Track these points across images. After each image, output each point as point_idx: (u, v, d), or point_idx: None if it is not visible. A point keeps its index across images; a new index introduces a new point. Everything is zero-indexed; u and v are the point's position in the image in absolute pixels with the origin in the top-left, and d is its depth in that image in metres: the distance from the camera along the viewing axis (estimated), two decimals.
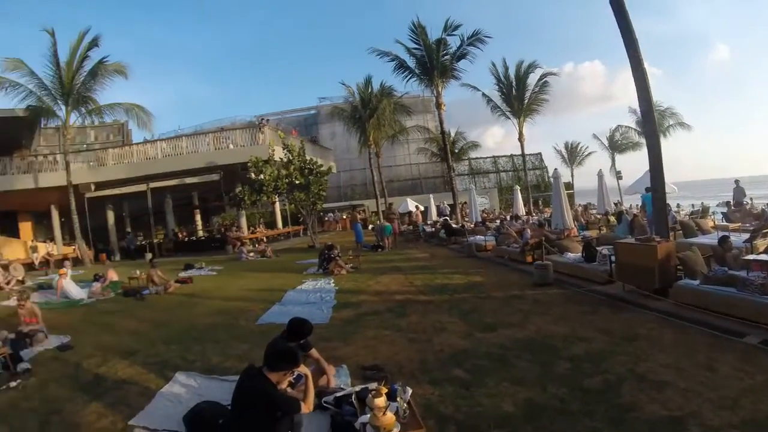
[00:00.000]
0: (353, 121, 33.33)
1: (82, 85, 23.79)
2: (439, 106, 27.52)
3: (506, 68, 32.53)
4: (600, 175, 20.36)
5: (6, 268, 18.08)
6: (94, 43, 23.53)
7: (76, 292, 13.60)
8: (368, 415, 3.66)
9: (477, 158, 45.13)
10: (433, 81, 26.59)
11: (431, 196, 32.85)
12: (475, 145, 39.88)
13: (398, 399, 3.94)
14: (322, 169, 22.74)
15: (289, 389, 4.24)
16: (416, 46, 26.65)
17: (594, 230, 17.48)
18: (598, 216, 21.37)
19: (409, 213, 32.96)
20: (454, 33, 25.52)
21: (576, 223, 17.57)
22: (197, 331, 8.61)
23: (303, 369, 4.15)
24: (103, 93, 24.86)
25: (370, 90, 32.57)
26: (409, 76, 27.61)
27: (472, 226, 21.43)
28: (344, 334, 7.32)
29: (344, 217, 37.30)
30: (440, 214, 30.15)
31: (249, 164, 21.30)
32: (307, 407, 3.99)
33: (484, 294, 9.78)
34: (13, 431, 5.12)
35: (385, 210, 29.05)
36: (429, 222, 27.53)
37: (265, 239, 25.80)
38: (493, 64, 32.68)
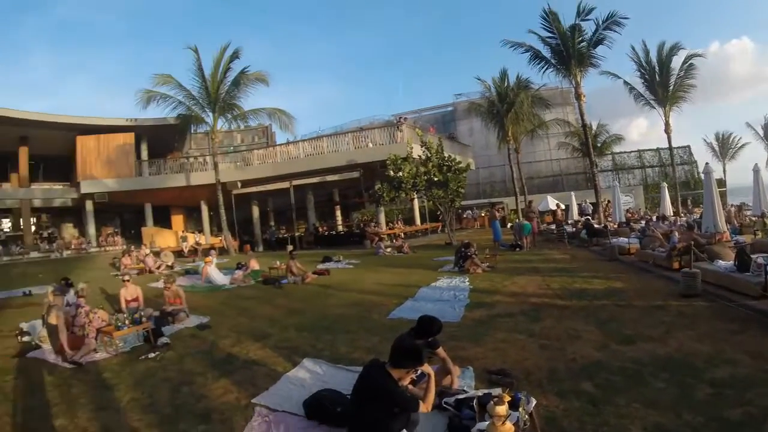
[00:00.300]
0: (491, 117, 32.16)
1: (226, 94, 26.19)
2: (578, 96, 25.61)
3: (647, 52, 29.42)
4: (756, 170, 17.63)
5: (158, 254, 19.96)
6: (235, 56, 25.73)
7: (220, 278, 14.62)
8: (487, 423, 3.45)
9: (621, 153, 40.83)
10: (571, 70, 24.76)
11: (572, 193, 30.74)
12: (618, 139, 36.21)
13: (520, 409, 3.65)
14: (460, 165, 22.29)
15: (410, 387, 4.13)
16: (550, 35, 24.97)
17: (748, 234, 15.39)
18: (753, 218, 18.73)
19: (552, 211, 31.37)
20: (587, 18, 23.53)
21: (728, 225, 15.57)
22: (329, 320, 8.69)
23: (426, 368, 4.04)
24: (248, 99, 27.27)
25: (506, 84, 31.10)
26: (545, 67, 25.94)
27: (615, 226, 19.74)
28: (474, 335, 6.95)
29: (482, 214, 36.42)
30: (582, 213, 28.33)
31: (388, 162, 21.48)
32: (425, 407, 3.85)
33: (624, 302, 8.87)
34: (146, 395, 5.58)
35: (525, 208, 27.81)
36: (570, 221, 25.99)
37: (402, 235, 25.98)
38: (633, 49, 29.71)
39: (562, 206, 29.98)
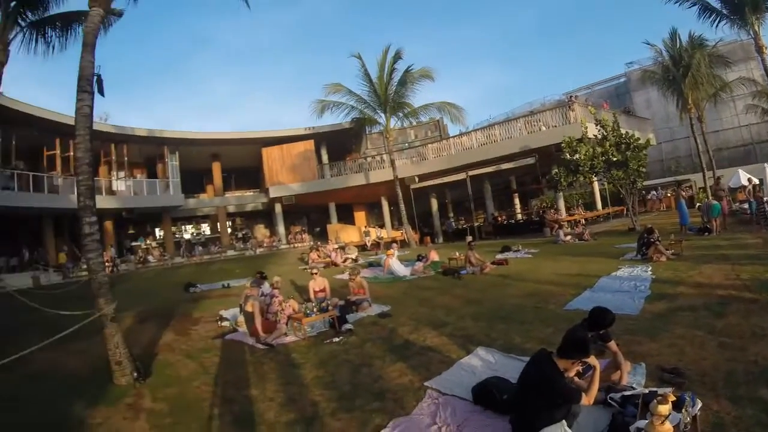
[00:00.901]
0: (667, 84, 28.95)
1: (395, 94, 26.91)
2: (759, 49, 21.85)
3: None
4: None
5: (342, 249, 21.27)
6: (397, 57, 26.34)
7: (401, 269, 15.27)
8: (646, 421, 3.34)
9: None
10: (746, 19, 21.48)
11: (766, 165, 26.90)
12: None
13: (683, 411, 3.46)
14: (639, 142, 20.47)
15: (576, 378, 4.14)
16: None
17: None
18: None
19: (743, 187, 27.04)
20: None
21: None
22: (505, 310, 8.71)
23: (593, 360, 4.01)
24: (416, 96, 28.19)
25: (678, 44, 27.55)
26: (716, 19, 22.80)
27: None
28: (651, 329, 6.51)
29: (668, 194, 32.98)
30: None
31: (562, 144, 20.60)
32: (587, 400, 3.86)
33: None
34: (329, 374, 6.31)
35: (712, 185, 24.49)
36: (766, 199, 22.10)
37: (583, 221, 24.77)
38: None
39: (755, 180, 25.83)
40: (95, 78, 7.44)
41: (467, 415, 4.56)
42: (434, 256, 16.47)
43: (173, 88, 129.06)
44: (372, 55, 40.75)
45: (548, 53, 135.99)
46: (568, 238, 19.06)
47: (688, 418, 3.48)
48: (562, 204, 26.99)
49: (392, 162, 27.29)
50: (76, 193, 7.11)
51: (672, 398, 3.29)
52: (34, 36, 12.66)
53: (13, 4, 11.66)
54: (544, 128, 24.67)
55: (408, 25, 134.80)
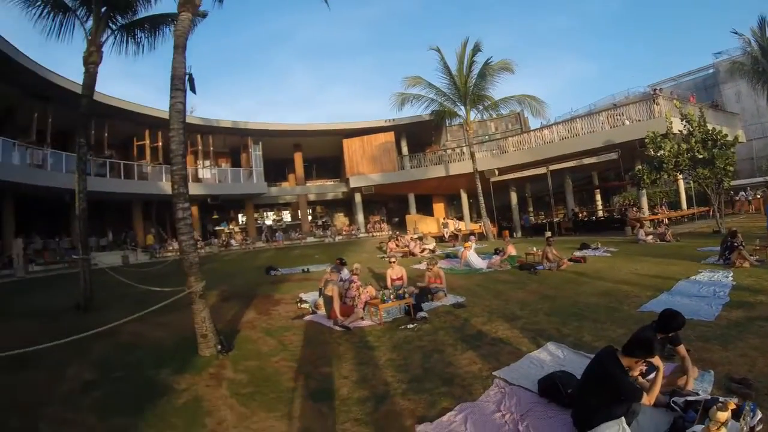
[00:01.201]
0: (756, 76, 27.22)
1: (474, 87, 26.79)
2: None
3: None
4: None
5: (420, 239, 21.44)
6: (476, 49, 26.20)
7: (477, 262, 15.33)
8: (702, 426, 3.38)
9: None
10: None
11: None
12: None
13: (741, 420, 3.44)
14: (727, 139, 19.40)
15: (639, 378, 4.19)
16: None
17: None
18: None
19: None
20: None
21: None
22: (578, 308, 8.62)
23: (657, 361, 4.06)
24: (496, 88, 27.53)
25: (767, 33, 26.19)
26: None
27: None
28: (725, 337, 6.28)
29: (757, 196, 30.77)
30: None
31: (646, 140, 19.85)
32: (648, 399, 3.91)
33: None
34: (401, 357, 6.59)
35: None
36: None
37: (666, 221, 23.78)
38: None
39: None
40: (187, 77, 8.02)
41: (531, 406, 4.67)
42: (511, 250, 16.32)
43: (255, 81, 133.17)
44: (450, 48, 40.73)
45: (632, 43, 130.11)
46: (649, 237, 18.37)
47: (746, 428, 3.46)
48: (645, 202, 25.97)
49: (472, 154, 27.29)
50: (170, 181, 7.70)
51: (732, 406, 3.34)
52: (125, 37, 13.86)
53: (103, 9, 12.70)
54: (627, 122, 23.87)
55: (486, 16, 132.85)
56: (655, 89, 28.33)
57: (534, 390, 4.95)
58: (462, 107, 27.57)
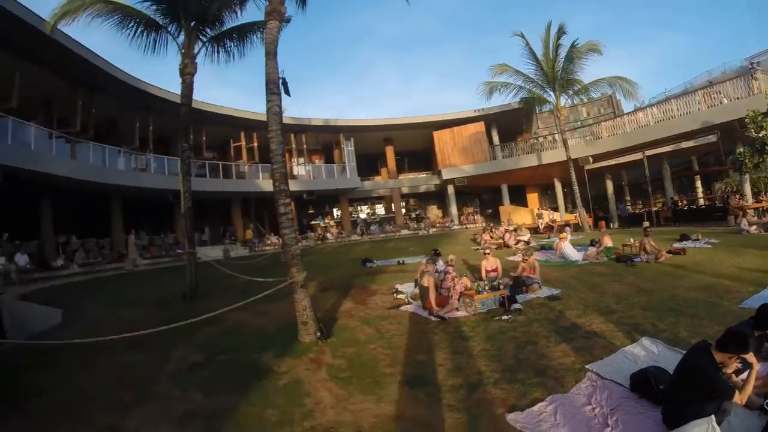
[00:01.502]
0: None
1: (562, 71, 25.91)
2: None
3: None
4: None
5: (515, 231, 21.22)
6: (561, 32, 25.39)
7: (573, 254, 15.01)
8: None
9: None
10: None
11: None
12: None
13: None
14: None
15: (733, 376, 4.07)
16: None
17: None
18: None
19: None
20: None
21: None
22: (676, 302, 8.31)
23: (751, 358, 3.91)
24: (585, 71, 26.62)
25: None
26: None
27: None
28: None
29: None
30: None
31: (746, 119, 18.49)
32: (740, 398, 3.79)
33: None
34: (495, 348, 6.78)
35: None
36: None
37: None
38: None
39: None
40: (280, 81, 8.54)
41: (621, 401, 4.71)
42: (608, 241, 15.87)
43: (341, 78, 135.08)
44: (534, 33, 39.77)
45: (728, 11, 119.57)
46: (753, 228, 17.14)
47: None
48: (747, 188, 23.84)
49: (564, 142, 26.59)
50: (272, 179, 8.23)
51: None
52: (215, 48, 14.89)
53: (192, 23, 13.73)
54: (725, 101, 21.99)
55: None
56: (752, 63, 26.35)
57: (626, 385, 4.96)
58: (551, 93, 26.86)
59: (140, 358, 7.15)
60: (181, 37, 13.84)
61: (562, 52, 25.73)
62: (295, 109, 34.27)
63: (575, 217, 27.92)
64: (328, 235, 32.40)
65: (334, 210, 38.54)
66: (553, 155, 29.49)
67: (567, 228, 19.64)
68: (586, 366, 5.60)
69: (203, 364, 6.89)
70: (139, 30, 13.83)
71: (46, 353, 7.60)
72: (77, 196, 21.53)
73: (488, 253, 11.98)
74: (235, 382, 6.09)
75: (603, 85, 26.66)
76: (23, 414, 5.46)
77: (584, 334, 6.87)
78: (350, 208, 37.85)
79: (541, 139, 32.35)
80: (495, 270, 11.30)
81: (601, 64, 42.74)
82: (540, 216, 29.16)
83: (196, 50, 13.92)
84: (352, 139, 33.87)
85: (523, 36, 26.29)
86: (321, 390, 5.70)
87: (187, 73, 13.49)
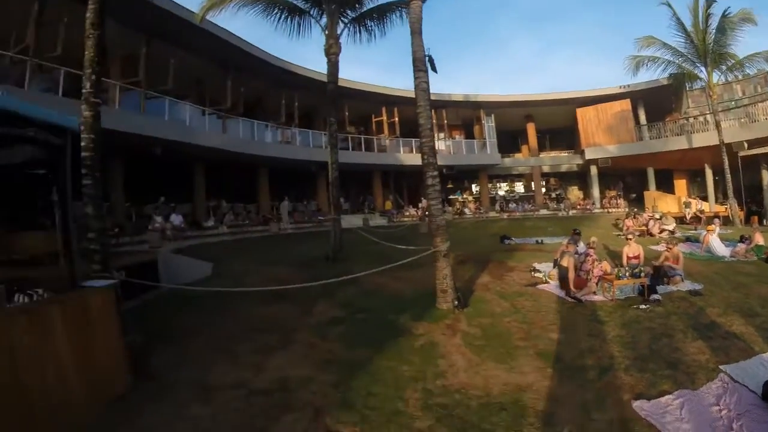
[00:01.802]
0: None
1: (714, 43, 23.38)
2: None
3: None
4: None
5: (660, 219, 20.22)
6: (711, 0, 22.68)
7: (720, 248, 14.22)
8: None
9: None
10: None
11: None
12: None
13: None
14: None
15: None
16: None
17: None
18: None
19: None
20: None
21: None
22: None
23: None
24: (740, 44, 23.49)
25: None
26: None
27: None
28: None
29: None
30: None
31: None
32: None
33: None
34: (629, 336, 6.89)
35: None
36: None
37: None
38: None
39: None
40: (426, 58, 8.91)
41: (750, 408, 4.65)
42: (759, 239, 14.74)
43: (478, 53, 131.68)
44: (681, 1, 36.42)
45: None
46: None
47: None
48: None
49: (717, 123, 24.08)
50: (420, 153, 8.93)
51: None
52: (357, 28, 15.92)
53: (333, 6, 14.70)
54: None
55: None
56: None
57: (758, 392, 4.89)
58: (702, 68, 24.47)
59: (284, 308, 8.08)
60: (324, 20, 14.94)
61: (713, 22, 23.27)
62: (434, 85, 34.49)
63: (725, 209, 25.51)
64: (466, 210, 32.85)
65: (473, 186, 38.71)
66: (704, 138, 26.81)
67: (716, 220, 18.44)
68: (720, 366, 5.56)
69: (343, 319, 7.65)
70: (283, 16, 15.15)
71: (199, 299, 8.82)
72: (227, 165, 23.77)
73: (631, 239, 11.73)
74: (372, 338, 6.80)
75: (759, 60, 23.81)
76: (178, 350, 6.49)
77: (723, 334, 6.74)
78: (489, 185, 37.75)
79: (691, 120, 29.65)
80: (637, 257, 11.05)
81: (756, 35, 38.45)
82: (688, 205, 26.93)
83: (338, 31, 14.94)
84: (492, 115, 33.54)
85: (669, 5, 24.07)
86: (455, 354, 6.19)
87: (332, 53, 14.62)
